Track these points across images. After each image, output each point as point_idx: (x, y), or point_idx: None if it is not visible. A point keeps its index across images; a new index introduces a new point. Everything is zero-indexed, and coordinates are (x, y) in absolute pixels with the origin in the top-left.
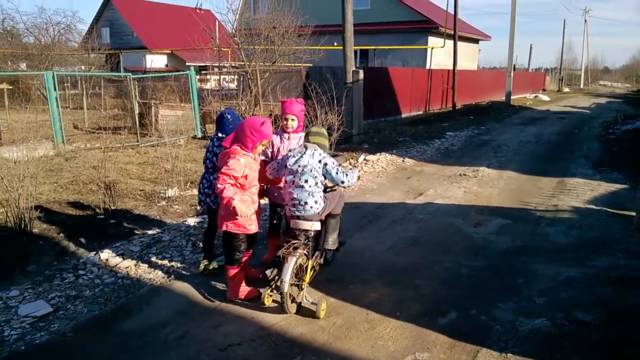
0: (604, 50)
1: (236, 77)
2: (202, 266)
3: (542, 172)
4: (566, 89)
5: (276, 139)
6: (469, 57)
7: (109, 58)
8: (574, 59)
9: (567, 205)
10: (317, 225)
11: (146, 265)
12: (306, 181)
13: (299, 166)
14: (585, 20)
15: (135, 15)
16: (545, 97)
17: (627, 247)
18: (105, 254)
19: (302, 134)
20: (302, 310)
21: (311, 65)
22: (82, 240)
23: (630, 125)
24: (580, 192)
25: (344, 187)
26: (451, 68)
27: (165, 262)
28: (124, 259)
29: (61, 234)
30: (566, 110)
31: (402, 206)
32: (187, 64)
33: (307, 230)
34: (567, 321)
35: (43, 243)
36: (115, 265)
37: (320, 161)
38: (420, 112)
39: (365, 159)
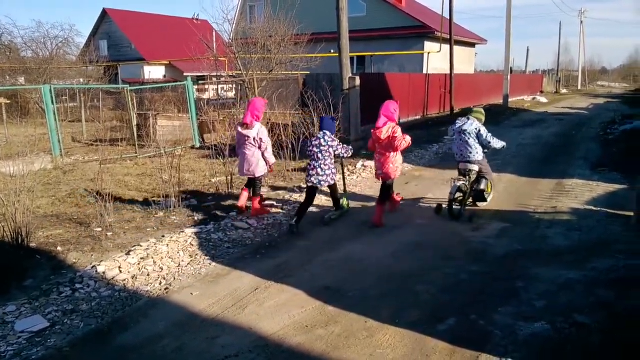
0: (601, 50)
1: (234, 86)
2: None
3: (540, 174)
4: (564, 91)
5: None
6: (466, 61)
7: (107, 70)
8: (571, 60)
9: (566, 207)
10: (475, 167)
11: (143, 278)
12: (467, 140)
13: (462, 130)
14: (581, 22)
15: (132, 27)
16: (543, 99)
17: (627, 247)
18: (103, 267)
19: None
20: (460, 219)
21: (308, 72)
22: (80, 253)
23: (628, 126)
24: (579, 193)
25: (490, 147)
26: (448, 72)
27: (163, 273)
28: (121, 271)
29: (58, 248)
30: (564, 112)
31: (401, 212)
32: (185, 74)
33: (468, 170)
34: (567, 325)
35: (40, 257)
36: (112, 278)
37: (475, 128)
38: (418, 117)
39: (363, 165)
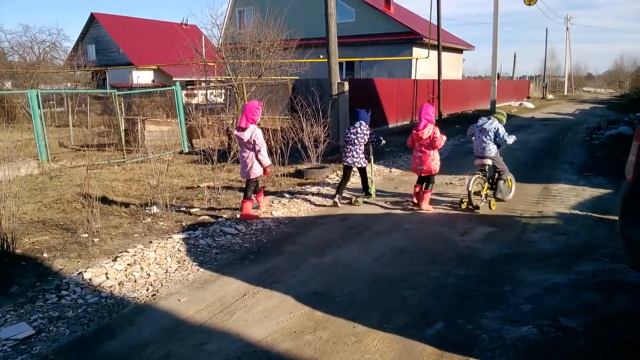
0: (586, 56)
1: (223, 91)
2: (360, 200)
3: (527, 179)
4: (550, 96)
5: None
6: (454, 67)
7: (95, 75)
8: (557, 66)
9: (552, 212)
10: (489, 162)
11: (130, 284)
12: (486, 137)
13: (483, 127)
14: (567, 28)
15: (120, 32)
16: (530, 105)
17: (612, 251)
18: (89, 274)
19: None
20: (478, 208)
21: (297, 78)
22: (66, 259)
23: (613, 131)
24: (565, 197)
25: (506, 144)
26: (436, 78)
27: (150, 280)
28: (107, 278)
29: (44, 254)
30: (550, 117)
31: (389, 216)
32: (173, 79)
33: (484, 164)
34: (554, 328)
35: (26, 264)
36: (99, 285)
37: (494, 127)
38: (407, 122)
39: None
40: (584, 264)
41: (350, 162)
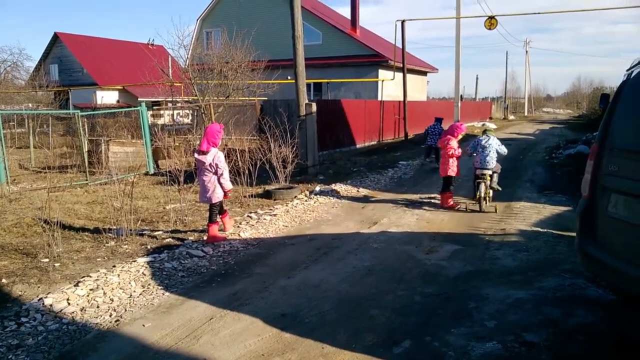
0: (545, 78)
1: (190, 111)
2: (432, 165)
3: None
4: (511, 117)
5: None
6: (419, 89)
7: (58, 95)
8: (517, 87)
9: (514, 229)
10: (489, 172)
11: (93, 310)
12: (490, 152)
13: (487, 143)
14: (527, 51)
15: (84, 52)
16: (492, 125)
17: (572, 267)
18: (50, 299)
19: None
20: (485, 211)
21: (266, 98)
22: (25, 285)
23: (572, 150)
24: (527, 215)
25: (503, 155)
26: (402, 99)
27: (114, 305)
28: (69, 303)
29: (3, 280)
30: (512, 137)
31: (357, 236)
32: (139, 99)
33: (485, 174)
34: (517, 343)
35: None
36: (60, 311)
37: (496, 143)
38: (374, 143)
39: (320, 190)
40: (545, 279)
41: (431, 143)
